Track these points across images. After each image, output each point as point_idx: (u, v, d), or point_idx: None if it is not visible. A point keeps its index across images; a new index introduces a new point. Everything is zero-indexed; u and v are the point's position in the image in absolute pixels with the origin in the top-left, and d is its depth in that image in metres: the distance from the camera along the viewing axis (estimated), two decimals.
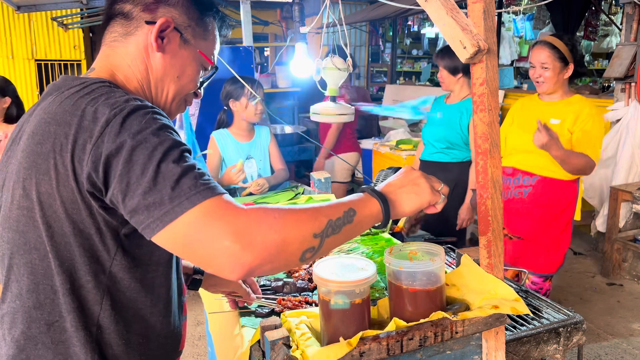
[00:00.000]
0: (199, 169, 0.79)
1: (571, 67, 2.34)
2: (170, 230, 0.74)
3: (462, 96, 2.87)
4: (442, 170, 2.92)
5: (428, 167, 3.03)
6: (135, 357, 0.90)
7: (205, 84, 1.05)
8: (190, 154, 0.80)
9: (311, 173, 2.79)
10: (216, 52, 1.05)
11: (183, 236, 0.74)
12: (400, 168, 2.23)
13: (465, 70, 2.79)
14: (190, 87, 1.00)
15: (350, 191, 4.23)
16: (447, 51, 2.83)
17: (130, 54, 0.93)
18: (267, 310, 1.41)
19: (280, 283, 1.54)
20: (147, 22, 0.92)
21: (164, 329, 0.95)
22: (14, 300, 0.86)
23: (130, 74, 0.94)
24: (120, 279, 0.86)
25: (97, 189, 0.78)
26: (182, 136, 2.38)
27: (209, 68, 1.02)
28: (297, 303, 1.41)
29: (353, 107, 2.02)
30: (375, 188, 0.94)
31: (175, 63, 0.96)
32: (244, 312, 1.42)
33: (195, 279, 1.29)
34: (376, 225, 0.92)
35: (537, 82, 2.39)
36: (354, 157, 3.95)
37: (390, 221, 2.16)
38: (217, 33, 1.03)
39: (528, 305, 1.53)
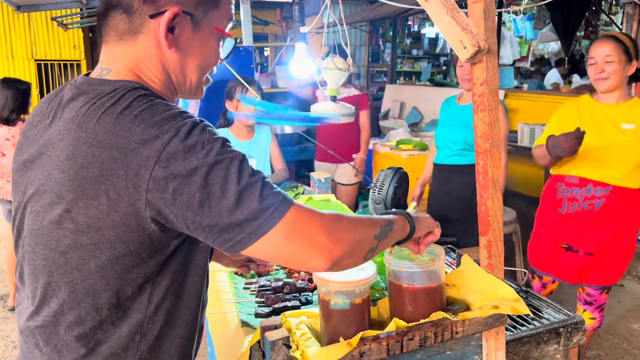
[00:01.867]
0: (266, 177, 0.81)
1: (634, 64, 2.17)
2: (264, 242, 0.78)
3: None
4: (458, 174, 2.76)
5: (444, 171, 2.86)
6: (174, 357, 0.91)
7: (231, 53, 0.98)
8: None
9: (311, 173, 2.79)
10: (233, 8, 0.96)
11: (278, 244, 0.79)
12: (400, 168, 2.23)
13: None
14: (212, 64, 0.95)
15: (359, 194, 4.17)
16: None
17: (143, 54, 0.86)
18: (267, 310, 1.41)
19: (280, 283, 1.54)
20: (151, 17, 0.84)
21: (199, 326, 0.97)
22: (54, 315, 0.84)
23: (151, 75, 0.88)
24: (165, 287, 0.85)
25: (161, 215, 0.76)
26: None
27: (227, 40, 0.95)
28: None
29: (353, 107, 2.02)
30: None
31: (191, 51, 0.89)
32: (243, 313, 1.42)
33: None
34: (401, 240, 1.01)
35: (598, 79, 2.20)
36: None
37: None
38: None
39: (528, 305, 1.53)
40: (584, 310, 2.39)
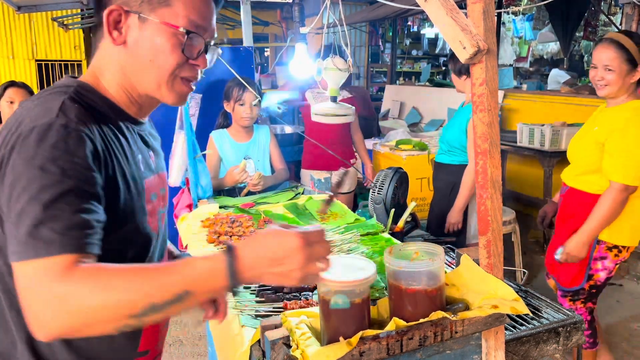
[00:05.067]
0: (78, 212, 0.76)
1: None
2: (16, 267, 0.75)
3: (470, 98, 2.87)
4: (443, 172, 2.97)
5: (435, 168, 3.12)
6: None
7: (206, 52, 0.96)
8: (81, 192, 0.77)
9: (311, 173, 2.79)
10: (197, 3, 0.92)
11: (18, 278, 0.75)
12: (400, 168, 2.21)
13: (469, 71, 2.79)
14: (172, 64, 0.92)
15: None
16: (451, 56, 2.92)
17: (105, 56, 0.93)
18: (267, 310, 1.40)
19: None
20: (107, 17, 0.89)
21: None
22: None
23: (110, 77, 0.93)
24: None
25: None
26: (182, 137, 2.39)
27: (189, 34, 0.91)
28: (304, 305, 1.40)
29: (353, 107, 2.03)
30: (240, 255, 0.79)
31: (141, 48, 0.90)
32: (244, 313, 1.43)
33: None
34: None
35: (598, 85, 2.14)
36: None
37: (390, 222, 2.14)
38: None
39: (528, 305, 1.53)
40: None
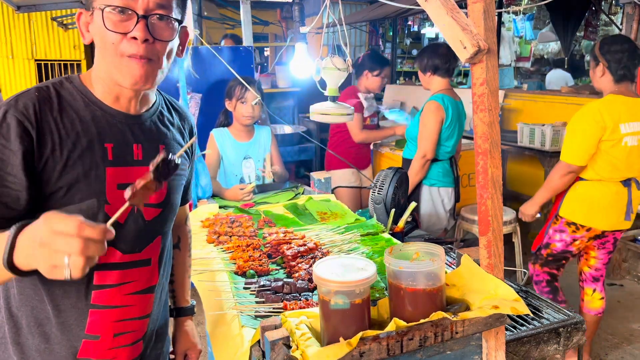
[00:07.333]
0: None
1: (600, 66, 2.40)
2: None
3: (433, 93, 2.94)
4: (405, 166, 3.09)
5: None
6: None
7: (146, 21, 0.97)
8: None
9: (311, 173, 2.79)
10: None
11: None
12: (400, 168, 2.19)
13: (434, 68, 2.89)
14: (108, 43, 0.97)
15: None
16: (418, 54, 3.04)
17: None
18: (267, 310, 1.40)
19: (280, 283, 1.53)
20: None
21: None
22: None
23: (94, 74, 1.05)
24: None
25: None
26: None
27: (104, 9, 0.96)
28: (304, 306, 1.40)
29: (352, 107, 2.02)
30: (20, 236, 0.80)
31: (95, 39, 1.00)
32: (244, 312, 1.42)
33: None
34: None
35: None
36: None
37: (390, 222, 2.14)
38: None
39: (528, 305, 1.53)
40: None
